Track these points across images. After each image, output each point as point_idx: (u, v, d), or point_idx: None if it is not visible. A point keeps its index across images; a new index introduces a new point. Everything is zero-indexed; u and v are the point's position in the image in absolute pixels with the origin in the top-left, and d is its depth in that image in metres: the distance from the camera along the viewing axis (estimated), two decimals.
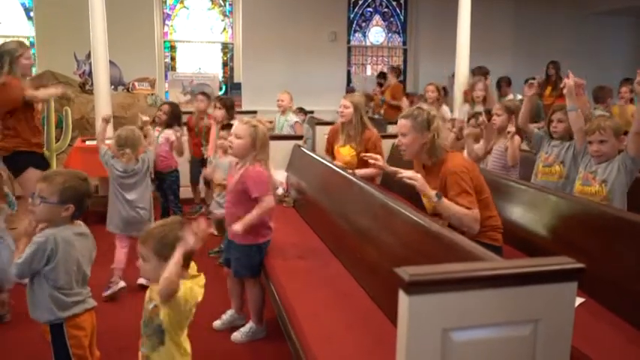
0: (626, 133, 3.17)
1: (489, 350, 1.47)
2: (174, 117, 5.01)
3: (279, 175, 4.51)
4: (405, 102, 7.31)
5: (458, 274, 1.42)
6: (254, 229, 2.96)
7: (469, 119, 4.36)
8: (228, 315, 3.27)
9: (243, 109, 8.33)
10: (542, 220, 2.96)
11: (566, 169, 3.45)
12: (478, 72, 6.74)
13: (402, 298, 1.38)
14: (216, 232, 4.34)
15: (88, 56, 6.16)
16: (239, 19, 9.12)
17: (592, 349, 1.97)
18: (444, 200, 2.65)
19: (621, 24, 9.84)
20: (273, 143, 4.88)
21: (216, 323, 3.24)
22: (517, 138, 3.90)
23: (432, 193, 2.65)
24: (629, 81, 6.90)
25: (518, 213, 3.17)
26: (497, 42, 9.27)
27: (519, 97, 6.56)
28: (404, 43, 9.91)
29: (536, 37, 9.45)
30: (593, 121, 3.29)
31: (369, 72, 9.83)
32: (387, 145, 4.72)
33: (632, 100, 6.23)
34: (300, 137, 5.18)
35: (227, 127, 3.98)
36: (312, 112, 7.42)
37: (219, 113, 4.86)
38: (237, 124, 2.98)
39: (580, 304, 2.30)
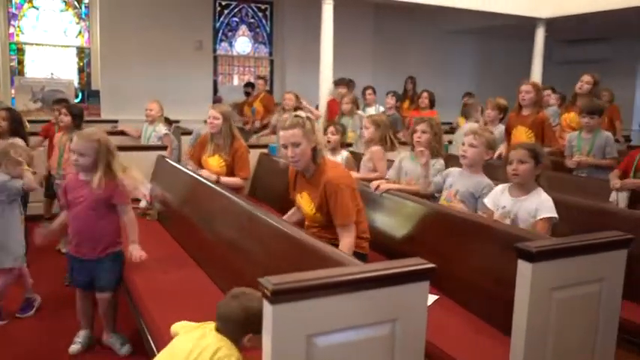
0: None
1: (352, 352, 1.52)
2: (18, 123, 4.34)
3: (142, 187, 4.32)
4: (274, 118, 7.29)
5: (319, 281, 1.46)
6: (115, 234, 2.93)
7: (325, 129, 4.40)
8: (81, 337, 3.04)
9: (103, 117, 7.87)
10: (401, 225, 3.14)
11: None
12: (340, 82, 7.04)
13: (267, 307, 1.39)
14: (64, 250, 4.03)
15: None
16: (96, 22, 8.61)
17: (445, 342, 2.13)
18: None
19: (466, 41, 10.83)
20: (136, 154, 4.74)
21: (74, 348, 3.00)
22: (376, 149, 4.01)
23: None
24: (470, 95, 7.59)
25: (379, 219, 3.32)
26: (359, 54, 9.68)
27: (381, 108, 6.94)
28: (270, 53, 10.01)
29: (395, 51, 10.04)
30: (473, 126, 3.50)
31: (235, 82, 9.77)
32: (254, 154, 4.73)
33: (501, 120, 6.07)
34: (164, 147, 5.01)
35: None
36: (177, 121, 7.21)
37: (67, 120, 4.49)
38: (76, 140, 2.82)
39: (435, 302, 2.48)
